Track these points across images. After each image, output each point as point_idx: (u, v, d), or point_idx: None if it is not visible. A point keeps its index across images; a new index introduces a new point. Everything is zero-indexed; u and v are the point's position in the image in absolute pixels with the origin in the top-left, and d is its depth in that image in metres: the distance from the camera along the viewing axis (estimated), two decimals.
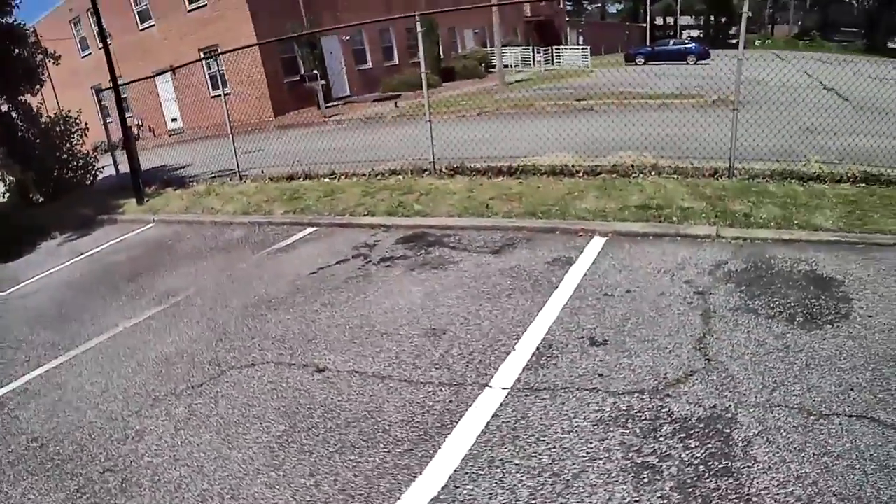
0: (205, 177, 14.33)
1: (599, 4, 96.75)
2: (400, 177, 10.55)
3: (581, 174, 9.07)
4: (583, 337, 4.84)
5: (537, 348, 4.69)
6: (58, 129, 16.76)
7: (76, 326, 7.06)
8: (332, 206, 9.93)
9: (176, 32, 27.38)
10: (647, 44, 50.30)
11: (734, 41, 69.44)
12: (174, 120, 29.27)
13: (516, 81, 28.86)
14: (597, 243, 6.78)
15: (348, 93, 30.45)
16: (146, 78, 17.81)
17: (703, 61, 36.42)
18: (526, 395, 4.08)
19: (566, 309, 5.36)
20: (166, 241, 10.26)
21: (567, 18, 64.58)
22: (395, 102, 22.55)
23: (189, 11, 28.05)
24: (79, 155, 17.75)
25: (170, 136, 28.53)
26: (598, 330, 4.90)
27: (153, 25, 29.91)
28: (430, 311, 5.59)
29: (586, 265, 6.21)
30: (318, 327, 5.68)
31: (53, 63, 18.80)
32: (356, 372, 4.72)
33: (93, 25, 33.06)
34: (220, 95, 26.58)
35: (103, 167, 19.02)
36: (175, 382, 5.15)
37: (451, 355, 4.75)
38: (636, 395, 3.94)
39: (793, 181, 7.99)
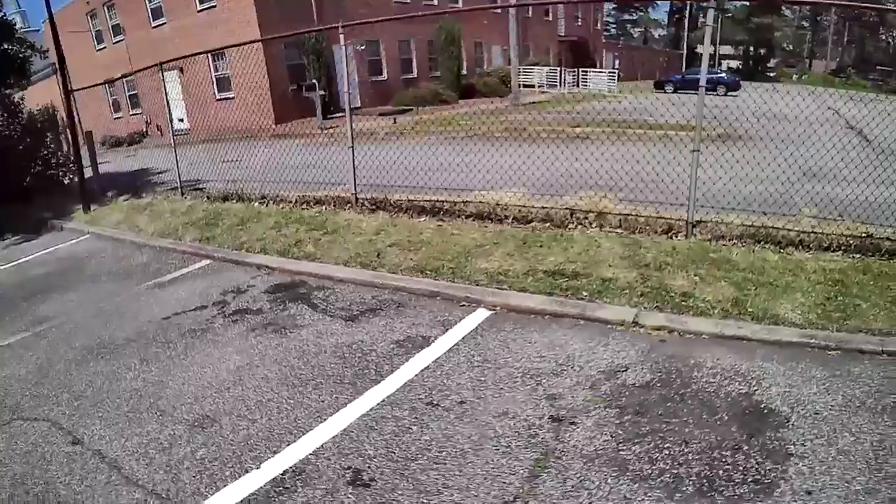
0: (165, 186, 13.83)
1: (642, 29, 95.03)
2: (322, 207, 9.36)
3: (510, 220, 7.81)
4: (349, 468, 3.66)
5: (283, 473, 3.66)
6: (37, 125, 15.82)
7: None
8: (236, 237, 9.02)
9: (185, 32, 26.65)
10: (681, 72, 48.65)
11: (773, 73, 68.05)
12: (181, 120, 28.50)
13: (532, 103, 27.53)
14: (474, 319, 5.57)
15: (359, 104, 29.41)
16: (94, 85, 16.84)
17: (733, 92, 34.85)
18: None
19: (364, 418, 4.17)
20: (83, 259, 9.86)
21: (604, 41, 63.23)
22: (395, 119, 21.41)
23: (199, 11, 27.33)
24: (58, 153, 17.07)
25: (175, 136, 27.78)
26: (377, 461, 3.70)
27: (165, 24, 29.22)
28: (224, 392, 4.77)
29: (438, 353, 4.97)
30: (116, 387, 5.12)
31: (41, 58, 17.95)
32: (98, 453, 4.13)
33: (108, 20, 32.79)
34: (224, 99, 26.36)
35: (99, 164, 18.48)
36: None
37: (191, 458, 3.95)
38: None
39: (767, 246, 6.50)
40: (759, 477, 3.36)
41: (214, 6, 26.82)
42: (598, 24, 61.25)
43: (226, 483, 3.61)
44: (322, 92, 24.04)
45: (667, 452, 3.58)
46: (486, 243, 7.04)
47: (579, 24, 54.05)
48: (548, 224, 7.63)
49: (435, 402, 4.25)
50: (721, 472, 3.41)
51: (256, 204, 10.68)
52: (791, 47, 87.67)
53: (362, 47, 29.37)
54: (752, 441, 3.65)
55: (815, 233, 6.55)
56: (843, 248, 6.34)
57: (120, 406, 4.73)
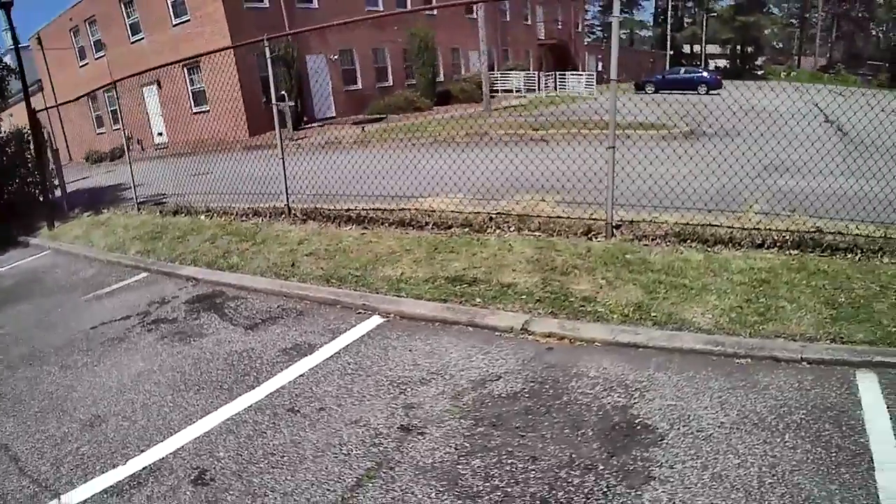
0: (130, 202, 13.87)
1: (627, 31, 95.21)
2: (260, 219, 9.48)
3: (431, 227, 7.84)
4: (197, 468, 3.85)
5: (142, 469, 3.90)
6: (11, 146, 16.02)
7: None
8: (174, 249, 9.27)
9: (162, 46, 26.88)
10: (661, 72, 48.70)
11: (761, 71, 68.18)
12: (160, 134, 28.84)
13: (507, 107, 27.65)
14: (365, 327, 5.66)
15: (333, 114, 29.61)
16: (63, 103, 16.99)
17: (715, 91, 34.69)
18: None
19: (228, 422, 4.34)
20: (40, 273, 10.18)
21: (586, 43, 63.34)
22: (363, 127, 21.54)
23: (174, 26, 27.57)
24: (35, 171, 16.85)
25: (156, 149, 28.12)
26: (223, 463, 3.85)
27: (143, 39, 29.48)
28: (119, 395, 5.03)
29: (317, 361, 5.11)
30: (34, 390, 5.39)
31: (15, 78, 18.18)
32: (4, 447, 4.45)
33: (90, 36, 33.05)
34: (200, 112, 26.56)
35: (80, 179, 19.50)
36: None
37: (74, 452, 4.24)
38: None
39: (694, 245, 6.24)
40: (602, 503, 3.13)
41: (189, 20, 27.01)
42: (580, 27, 61.36)
43: (94, 476, 3.87)
44: (292, 103, 24.16)
45: (508, 469, 3.44)
46: (399, 250, 7.11)
47: (560, 27, 54.18)
48: (467, 229, 7.59)
49: (296, 409, 4.37)
50: (560, 494, 3.20)
51: (203, 217, 10.87)
52: (780, 45, 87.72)
53: (335, 57, 29.54)
54: (612, 461, 3.42)
55: (755, 229, 6.28)
56: (780, 244, 6.03)
57: (32, 407, 4.99)
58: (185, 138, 22.88)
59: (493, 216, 7.66)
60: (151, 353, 5.82)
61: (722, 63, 78.19)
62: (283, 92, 23.66)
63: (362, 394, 4.49)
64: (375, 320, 5.81)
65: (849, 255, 5.72)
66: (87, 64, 34.51)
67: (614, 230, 6.73)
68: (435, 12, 35.13)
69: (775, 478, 3.20)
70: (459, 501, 3.21)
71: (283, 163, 9.29)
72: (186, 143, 22.21)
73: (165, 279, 8.33)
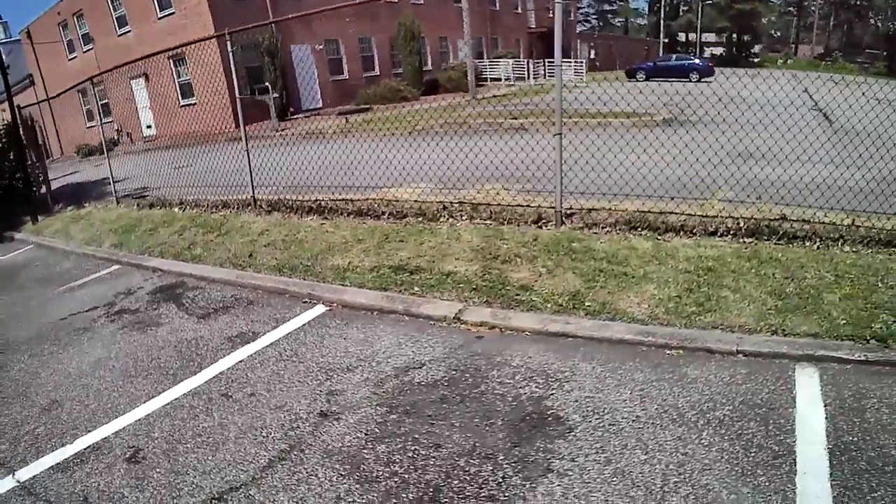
0: (114, 196, 13.96)
1: (623, 19, 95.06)
2: (228, 210, 9.75)
3: (387, 216, 7.94)
4: (133, 447, 4.12)
5: (86, 448, 4.18)
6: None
7: None
8: (144, 242, 9.55)
9: (148, 39, 27.01)
10: (653, 59, 48.65)
11: (757, 59, 68.14)
12: (149, 127, 29.02)
13: (493, 96, 27.83)
14: (308, 316, 5.87)
15: (320, 104, 29.78)
16: (42, 101, 16.96)
17: (707, 78, 34.59)
18: (25, 497, 3.73)
19: (167, 406, 4.59)
20: (20, 267, 10.49)
21: (578, 31, 63.26)
22: (346, 118, 21.72)
23: (159, 19, 27.72)
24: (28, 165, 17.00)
25: (144, 142, 28.34)
26: (156, 443, 4.11)
27: (130, 31, 29.61)
28: (77, 380, 5.30)
29: (258, 348, 5.34)
30: (2, 376, 5.65)
31: None
32: None
33: (78, 29, 33.17)
34: (188, 105, 26.72)
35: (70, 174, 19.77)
36: None
37: (31, 433, 4.51)
38: None
39: (644, 233, 6.17)
40: (495, 493, 3.15)
41: (174, 13, 27.15)
42: (572, 15, 61.26)
43: (45, 454, 4.13)
44: (276, 94, 24.33)
45: (410, 455, 3.52)
46: (352, 240, 7.25)
47: (550, 15, 54.03)
48: (420, 219, 7.64)
49: (229, 394, 4.59)
50: (455, 482, 3.25)
51: (177, 210, 11.10)
52: (778, 34, 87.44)
53: (320, 47, 29.66)
54: (514, 451, 3.44)
55: (711, 216, 6.19)
56: (734, 232, 5.92)
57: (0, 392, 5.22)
58: (173, 131, 23.03)
59: (447, 205, 7.73)
60: (111, 341, 6.07)
61: (718, 51, 77.84)
62: (266, 83, 23.87)
63: (292, 380, 4.67)
64: (319, 309, 6.00)
65: (807, 244, 5.59)
66: (75, 57, 34.65)
67: (564, 218, 6.74)
68: (422, 0, 35.25)
69: (681, 477, 3.12)
70: (357, 485, 3.34)
71: (248, 156, 9.56)
72: (174, 136, 22.36)
73: (134, 271, 8.61)
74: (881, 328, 4.23)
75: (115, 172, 15.43)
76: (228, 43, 9.15)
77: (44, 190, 16.12)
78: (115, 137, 32.00)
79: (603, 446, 3.40)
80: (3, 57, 14.59)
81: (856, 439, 3.29)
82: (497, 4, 44.35)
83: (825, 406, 3.59)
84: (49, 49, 35.94)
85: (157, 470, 3.83)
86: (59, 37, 35.61)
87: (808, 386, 3.82)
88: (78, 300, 7.68)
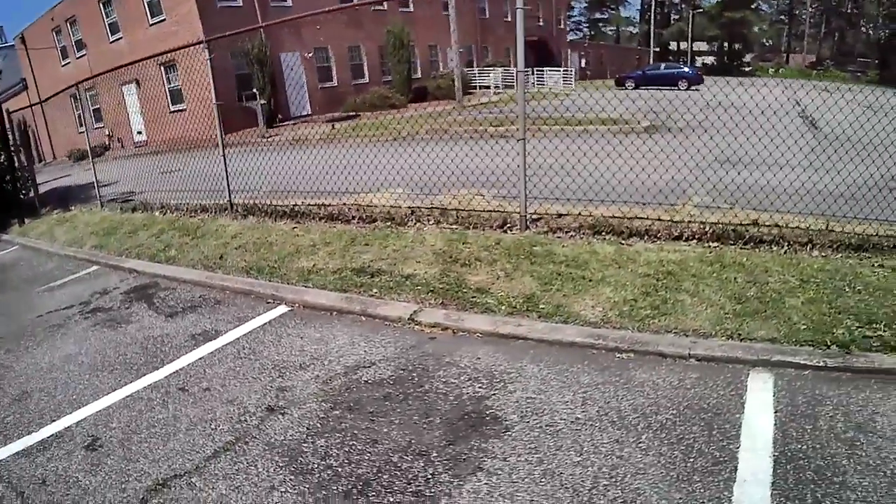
0: (102, 199, 14.33)
1: (614, 28, 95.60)
2: (206, 214, 10.01)
3: (356, 220, 8.14)
4: (92, 435, 4.37)
5: (49, 436, 4.42)
6: None
7: None
8: (123, 244, 9.81)
9: (140, 46, 27.25)
10: (642, 67, 49.05)
11: (748, 68, 68.60)
12: (139, 132, 29.25)
13: (481, 103, 28.12)
14: (270, 315, 6.08)
15: (308, 111, 30.06)
16: (28, 106, 17.16)
17: (695, 87, 34.93)
18: None
19: (127, 398, 4.83)
20: (3, 267, 10.81)
21: (569, 40, 63.66)
22: (333, 125, 21.98)
23: (150, 25, 27.98)
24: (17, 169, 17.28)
25: (135, 147, 28.56)
26: (114, 433, 4.33)
27: (121, 38, 29.89)
28: (48, 374, 5.54)
29: (218, 345, 5.56)
30: None
31: None
32: None
33: (72, 35, 33.42)
34: (178, 111, 26.95)
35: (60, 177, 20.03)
36: None
37: (1, 423, 4.74)
38: None
39: (608, 237, 6.21)
40: (422, 489, 3.21)
41: (164, 20, 27.42)
42: (562, 24, 61.68)
43: (12, 441, 4.37)
44: (263, 101, 24.58)
45: (346, 450, 3.64)
46: (320, 243, 7.43)
47: (541, 24, 54.51)
48: (389, 223, 7.79)
49: (185, 388, 4.79)
50: (385, 477, 3.34)
51: (157, 213, 11.36)
52: (770, 42, 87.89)
53: (310, 55, 29.94)
54: (448, 449, 3.50)
55: (678, 221, 6.20)
56: (699, 237, 5.93)
57: None
58: (163, 136, 23.22)
59: (415, 210, 7.88)
60: (82, 338, 6.30)
61: (710, 60, 78.21)
62: (254, 90, 24.12)
63: (246, 376, 4.85)
64: (281, 309, 6.20)
65: (774, 248, 5.58)
66: (69, 63, 34.91)
67: (530, 223, 6.82)
68: (412, 8, 35.54)
69: (612, 480, 3.11)
70: (291, 476, 3.48)
71: (225, 161, 9.81)
72: (164, 142, 22.61)
73: (112, 272, 8.86)
74: (844, 333, 4.17)
75: (105, 177, 15.70)
76: (206, 51, 9.33)
77: (32, 193, 16.22)
78: (107, 142, 32.23)
79: (537, 447, 3.43)
80: None
81: (805, 447, 3.23)
82: (487, 13, 44.71)
83: (776, 412, 3.54)
84: (44, 54, 36.17)
85: (111, 457, 4.06)
86: (52, 42, 35.80)
87: (760, 391, 3.78)
88: (56, 299, 7.91)
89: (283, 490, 3.39)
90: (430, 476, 3.32)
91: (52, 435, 4.39)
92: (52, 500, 3.66)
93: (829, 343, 4.11)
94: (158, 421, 4.41)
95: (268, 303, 6.44)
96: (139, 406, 4.73)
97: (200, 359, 5.32)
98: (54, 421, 4.59)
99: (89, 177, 20.06)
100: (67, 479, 3.88)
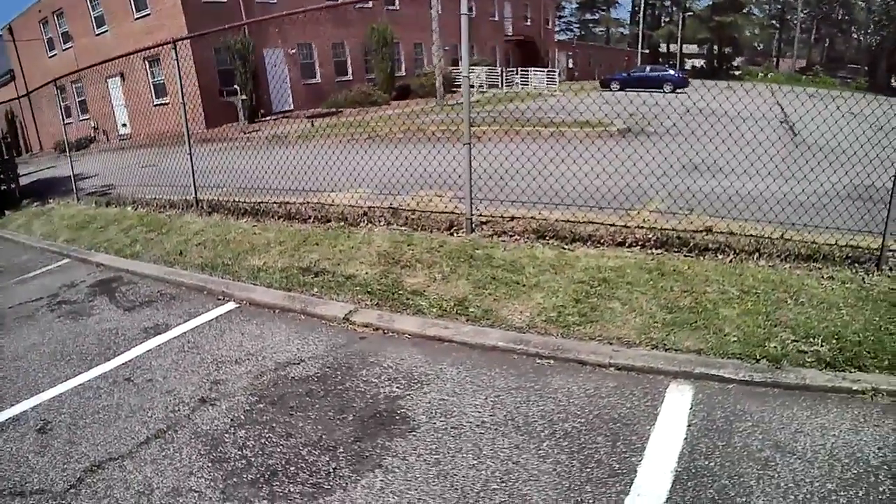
0: (81, 192, 14.63)
1: (604, 28, 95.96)
2: (174, 210, 10.39)
3: (312, 220, 8.39)
4: (44, 419, 4.74)
5: (7, 419, 4.77)
6: None
7: None
8: (94, 238, 10.18)
9: (125, 39, 27.54)
10: (627, 69, 49.49)
11: (738, 72, 69.07)
12: (124, 125, 29.50)
13: (459, 103, 28.34)
14: (218, 311, 6.39)
15: (291, 107, 30.41)
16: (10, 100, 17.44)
17: (681, 90, 35.24)
18: None
19: (79, 387, 5.17)
20: None
21: (556, 40, 64.01)
22: (312, 122, 22.34)
23: (136, 19, 28.27)
24: None
25: (119, 140, 28.82)
26: (63, 417, 4.67)
27: (107, 31, 30.13)
28: (11, 363, 5.83)
29: (166, 338, 5.91)
30: None
31: None
32: None
33: (58, 27, 33.62)
34: (161, 104, 27.24)
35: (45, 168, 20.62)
36: None
37: None
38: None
39: (552, 242, 6.30)
40: (321, 481, 3.40)
41: (149, 14, 27.70)
42: (550, 24, 62.03)
43: None
44: (244, 97, 24.92)
45: (262, 441, 3.87)
46: (274, 242, 7.70)
47: (528, 23, 54.89)
48: (342, 223, 8.02)
49: (131, 378, 5.10)
50: (292, 468, 3.55)
51: (129, 208, 11.72)
52: (761, 46, 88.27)
53: (293, 51, 30.26)
54: (354, 446, 3.69)
55: (617, 226, 6.28)
56: (642, 243, 5.98)
57: None
58: (147, 130, 23.54)
59: (367, 210, 8.09)
60: (46, 328, 6.61)
61: (699, 63, 78.54)
62: (235, 85, 24.47)
63: (186, 368, 5.14)
64: (230, 306, 6.49)
65: (720, 257, 5.58)
66: (55, 55, 35.08)
67: (476, 226, 6.93)
68: (398, 6, 35.86)
69: (502, 485, 3.18)
70: (209, 463, 3.73)
71: (191, 159, 10.20)
72: (148, 135, 22.91)
73: (80, 265, 9.19)
74: (776, 347, 4.12)
75: (87, 169, 16.07)
76: (174, 52, 9.68)
77: (13, 186, 16.55)
78: (93, 134, 32.46)
79: (437, 448, 3.53)
80: None
81: (712, 464, 3.20)
82: (474, 12, 44.92)
83: (689, 426, 3.51)
84: (32, 46, 36.32)
85: (58, 440, 4.45)
86: (40, 34, 35.93)
87: (676, 404, 3.74)
88: (27, 291, 8.21)
89: (200, 476, 3.65)
90: (331, 470, 3.50)
91: (9, 419, 4.71)
92: (3, 476, 4.05)
93: (758, 357, 4.05)
94: (103, 408, 4.79)
95: (218, 299, 6.72)
96: (88, 394, 5.10)
97: (148, 351, 5.64)
98: (13, 406, 4.91)
99: (73, 169, 20.43)
100: (18, 459, 4.25)
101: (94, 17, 31.30)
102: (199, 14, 25.40)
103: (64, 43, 34.08)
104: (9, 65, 39.57)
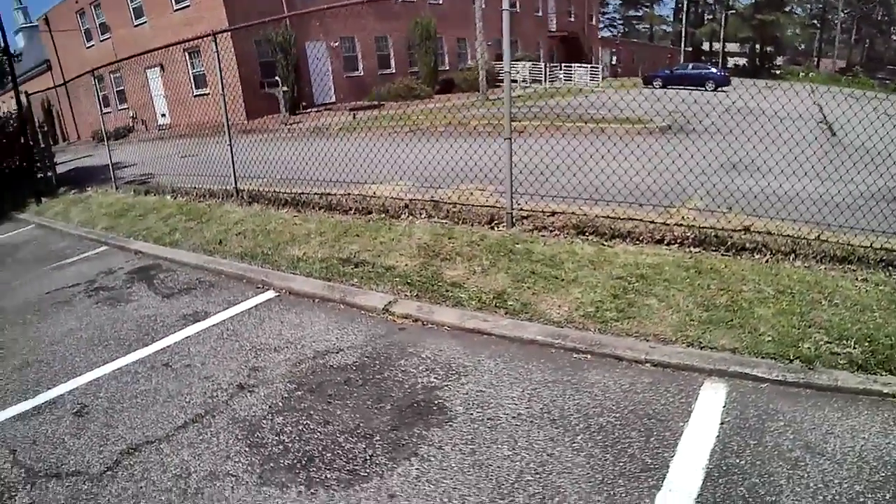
0: (119, 181, 14.72)
1: (648, 26, 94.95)
2: (214, 200, 10.32)
3: (353, 211, 8.32)
4: (81, 403, 4.68)
5: (45, 402, 4.75)
6: (10, 125, 17.02)
7: None
8: (132, 226, 10.18)
9: (164, 31, 27.75)
10: (670, 67, 48.81)
11: (779, 71, 67.89)
12: (163, 115, 29.77)
13: (500, 98, 28.14)
14: (257, 300, 6.31)
15: (333, 99, 30.43)
16: (46, 89, 17.69)
17: (722, 88, 34.65)
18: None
19: (116, 371, 5.12)
20: (19, 245, 11.21)
21: (600, 37, 63.42)
22: (354, 114, 22.28)
23: (175, 11, 28.45)
24: (34, 149, 17.90)
25: (158, 130, 29.10)
26: (100, 401, 4.63)
27: (146, 23, 30.39)
28: (49, 346, 5.83)
29: (205, 326, 5.82)
30: None
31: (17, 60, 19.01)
32: None
33: (95, 18, 34.03)
34: (201, 95, 27.41)
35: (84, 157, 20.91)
36: None
37: (3, 388, 5.07)
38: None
39: (591, 238, 6.22)
40: (357, 468, 3.38)
41: (189, 6, 27.87)
42: (594, 20, 61.46)
43: (11, 405, 4.72)
44: (286, 89, 24.94)
45: (299, 428, 3.85)
46: (314, 232, 7.62)
47: (572, 19, 54.44)
48: (383, 215, 7.94)
49: (169, 364, 5.06)
50: (329, 455, 3.53)
51: (169, 197, 11.73)
52: (803, 46, 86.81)
53: (335, 44, 30.27)
54: (391, 434, 3.65)
55: (657, 223, 6.18)
56: (681, 241, 5.88)
57: None
58: (187, 121, 23.65)
59: (408, 203, 7.99)
60: (83, 314, 6.60)
61: (741, 62, 77.43)
62: (276, 77, 24.52)
63: (224, 355, 5.09)
64: (269, 294, 6.42)
65: (756, 256, 5.50)
66: (93, 46, 35.49)
67: (516, 221, 6.83)
68: (441, 1, 35.73)
69: (536, 476, 3.16)
70: (246, 448, 3.70)
71: (231, 149, 10.12)
72: (187, 126, 23.03)
73: (118, 252, 9.19)
74: (810, 348, 4.04)
75: (125, 158, 16.16)
76: (214, 44, 9.60)
77: (50, 173, 16.70)
78: (131, 124, 32.82)
79: (473, 438, 3.51)
80: (21, 44, 15.17)
81: (743, 462, 3.16)
82: (518, 7, 44.64)
83: (721, 424, 3.48)
84: (68, 36, 36.81)
85: (95, 423, 4.38)
86: (76, 25, 36.37)
87: (710, 402, 3.71)
88: (65, 277, 8.21)
89: (237, 461, 3.61)
90: (368, 457, 3.48)
91: (47, 401, 4.68)
92: (40, 457, 4.00)
93: (792, 357, 3.99)
94: (141, 392, 4.74)
95: (257, 288, 6.65)
96: (125, 378, 5.04)
97: (187, 338, 5.57)
98: (50, 389, 4.89)
99: (113, 158, 20.64)
100: (55, 441, 4.20)
101: (133, 9, 31.58)
102: (240, 6, 25.41)
103: (101, 34, 34.43)
104: (45, 55, 40.10)
